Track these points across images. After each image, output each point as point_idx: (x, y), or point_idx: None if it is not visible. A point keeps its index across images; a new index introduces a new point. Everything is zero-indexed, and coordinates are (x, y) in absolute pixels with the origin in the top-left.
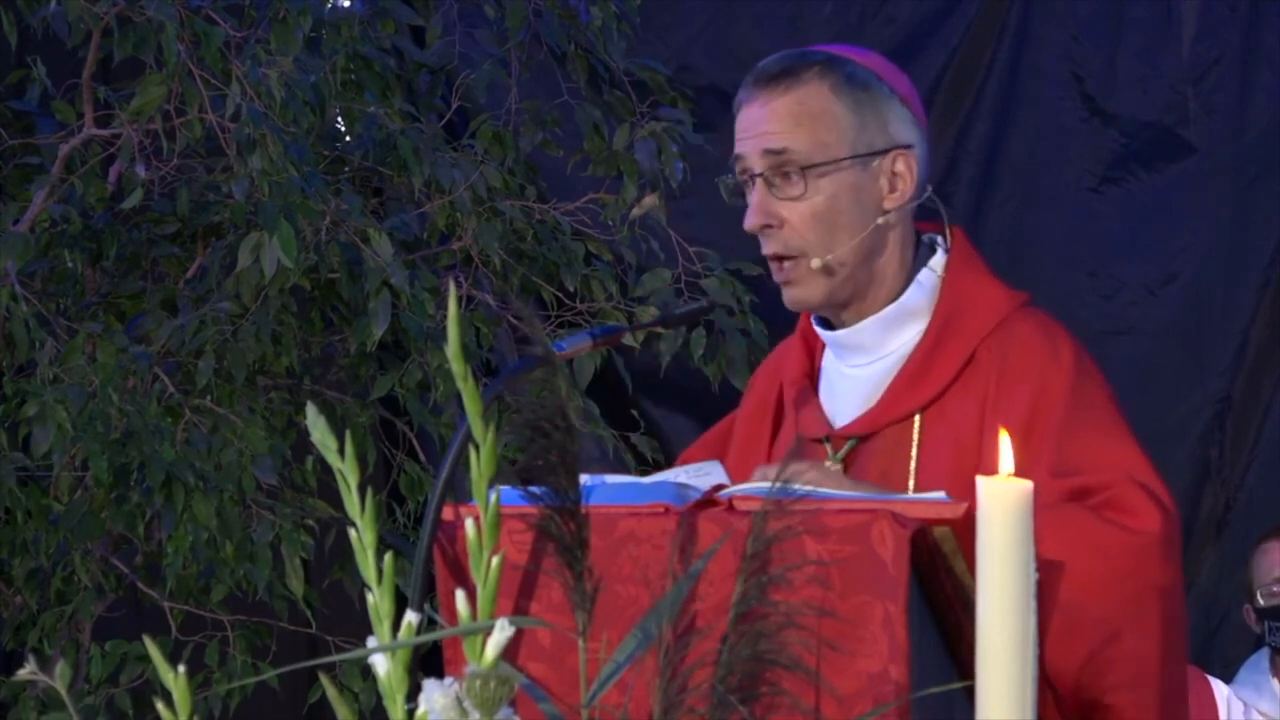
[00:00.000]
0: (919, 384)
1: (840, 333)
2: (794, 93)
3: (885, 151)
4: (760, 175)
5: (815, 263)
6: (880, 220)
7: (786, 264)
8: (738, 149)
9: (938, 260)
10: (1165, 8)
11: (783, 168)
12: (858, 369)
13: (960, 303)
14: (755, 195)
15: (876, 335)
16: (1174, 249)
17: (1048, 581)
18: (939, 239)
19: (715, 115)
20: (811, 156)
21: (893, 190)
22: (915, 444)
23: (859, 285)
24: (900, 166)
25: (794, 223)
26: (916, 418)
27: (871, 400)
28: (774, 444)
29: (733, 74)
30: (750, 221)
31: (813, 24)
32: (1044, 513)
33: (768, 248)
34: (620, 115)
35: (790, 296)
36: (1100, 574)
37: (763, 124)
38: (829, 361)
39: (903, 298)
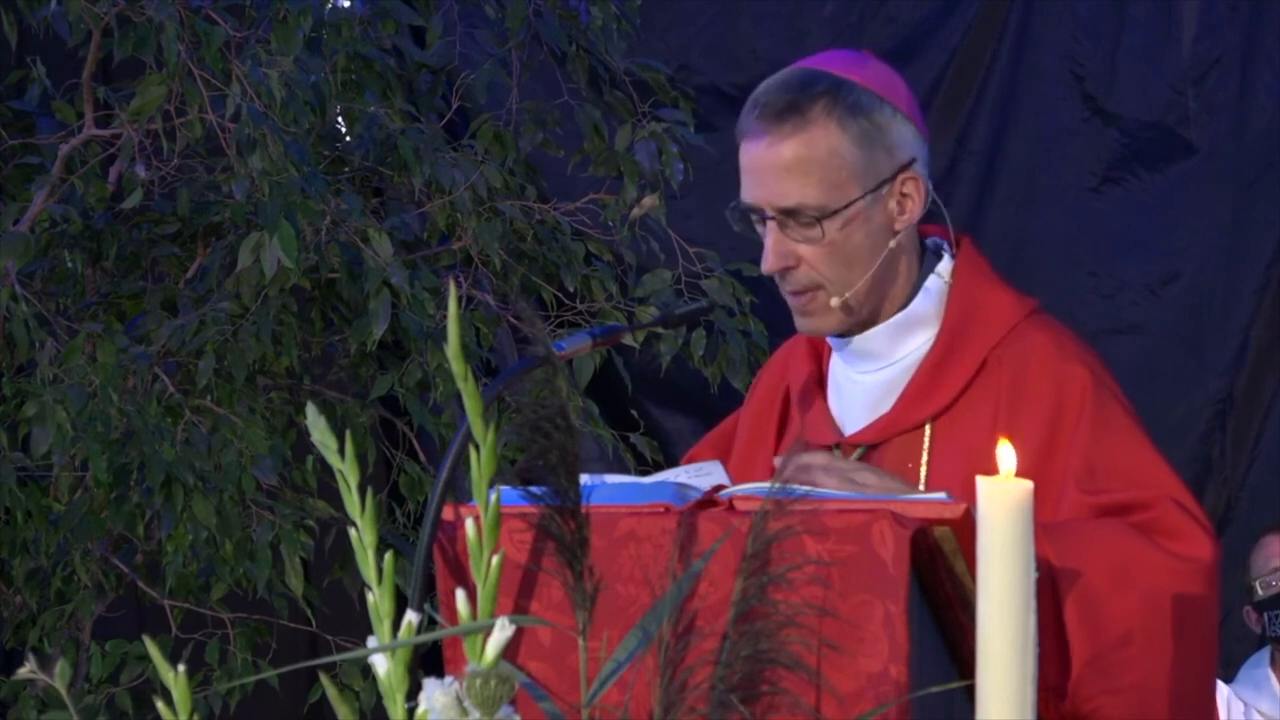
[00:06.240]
0: (930, 393)
1: (849, 339)
2: (801, 136)
3: (894, 177)
4: (773, 219)
5: (835, 301)
6: (893, 243)
7: (805, 295)
8: (749, 195)
9: (945, 266)
10: (1165, 8)
11: (797, 217)
12: (866, 375)
13: (969, 310)
14: (770, 238)
15: (885, 342)
16: (1175, 249)
17: (1100, 604)
18: (944, 244)
19: (715, 115)
20: (826, 206)
21: (903, 212)
22: (925, 453)
23: (873, 309)
24: (909, 187)
25: (811, 260)
26: (927, 427)
27: (881, 408)
28: (779, 445)
29: (733, 74)
30: (768, 264)
31: (813, 24)
32: (1092, 528)
33: (787, 286)
34: (620, 115)
35: (805, 326)
36: (1155, 601)
37: (772, 177)
38: (836, 365)
39: (911, 305)
